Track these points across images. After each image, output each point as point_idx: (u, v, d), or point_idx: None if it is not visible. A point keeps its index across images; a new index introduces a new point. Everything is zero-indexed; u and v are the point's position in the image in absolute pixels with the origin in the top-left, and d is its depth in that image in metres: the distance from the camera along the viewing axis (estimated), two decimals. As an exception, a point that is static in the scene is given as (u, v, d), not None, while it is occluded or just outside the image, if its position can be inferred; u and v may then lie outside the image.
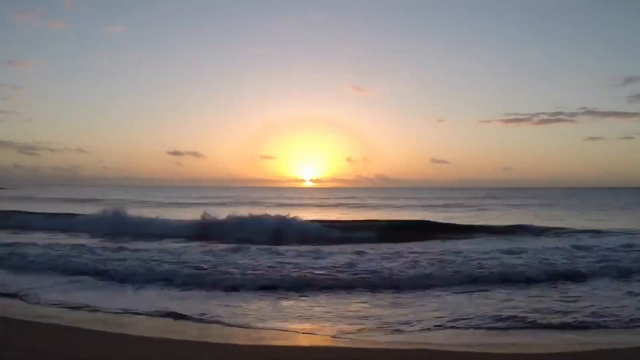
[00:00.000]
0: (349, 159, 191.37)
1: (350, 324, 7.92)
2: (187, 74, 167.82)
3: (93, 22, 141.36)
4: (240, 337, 7.18)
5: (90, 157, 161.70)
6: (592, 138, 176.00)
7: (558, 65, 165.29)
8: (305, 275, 11.28)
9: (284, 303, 9.44)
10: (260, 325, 7.85)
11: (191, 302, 9.28)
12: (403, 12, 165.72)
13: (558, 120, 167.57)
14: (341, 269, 12.09)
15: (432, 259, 13.36)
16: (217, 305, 9.09)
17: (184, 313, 8.35)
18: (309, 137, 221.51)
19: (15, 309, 8.71)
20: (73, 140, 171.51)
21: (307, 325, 7.92)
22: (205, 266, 12.25)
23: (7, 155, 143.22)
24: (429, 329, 7.68)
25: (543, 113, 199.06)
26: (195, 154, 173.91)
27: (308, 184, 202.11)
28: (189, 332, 7.43)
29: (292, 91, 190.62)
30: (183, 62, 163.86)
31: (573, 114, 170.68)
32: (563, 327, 7.76)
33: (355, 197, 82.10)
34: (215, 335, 7.30)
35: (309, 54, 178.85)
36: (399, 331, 7.58)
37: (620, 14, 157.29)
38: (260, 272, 11.59)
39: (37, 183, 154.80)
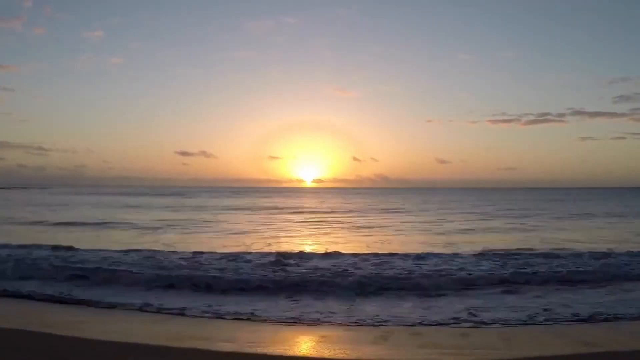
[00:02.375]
0: (343, 159, 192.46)
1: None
2: (173, 78, 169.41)
3: (72, 28, 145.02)
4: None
5: (87, 157, 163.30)
6: (584, 138, 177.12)
7: (542, 67, 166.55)
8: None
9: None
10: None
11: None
12: (373, 15, 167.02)
13: (546, 121, 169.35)
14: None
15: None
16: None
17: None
18: (303, 139, 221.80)
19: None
20: (70, 140, 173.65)
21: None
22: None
23: (5, 155, 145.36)
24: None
25: (530, 114, 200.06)
26: (193, 155, 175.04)
27: (309, 185, 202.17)
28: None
29: (276, 94, 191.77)
30: (163, 66, 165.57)
31: (561, 115, 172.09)
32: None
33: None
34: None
35: (288, 57, 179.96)
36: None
37: (603, 17, 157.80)
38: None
39: (39, 183, 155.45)
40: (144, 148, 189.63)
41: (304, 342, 7.43)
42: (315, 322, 8.33)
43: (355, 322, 8.31)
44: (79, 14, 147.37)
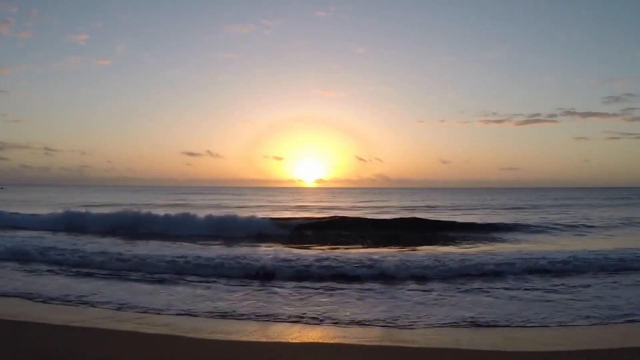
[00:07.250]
0: (342, 159, 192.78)
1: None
2: (161, 79, 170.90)
3: (57, 32, 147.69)
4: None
5: (89, 158, 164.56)
6: (579, 138, 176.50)
7: (530, 68, 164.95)
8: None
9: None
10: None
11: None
12: (351, 17, 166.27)
13: (537, 121, 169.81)
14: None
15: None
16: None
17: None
18: (298, 139, 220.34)
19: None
20: (69, 140, 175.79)
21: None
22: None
23: (6, 155, 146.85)
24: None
25: (521, 114, 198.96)
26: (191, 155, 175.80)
27: (311, 185, 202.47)
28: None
29: (262, 95, 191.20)
30: (149, 68, 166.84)
31: (552, 115, 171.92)
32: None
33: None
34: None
35: (271, 59, 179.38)
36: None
37: (590, 18, 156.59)
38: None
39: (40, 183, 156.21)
40: (143, 148, 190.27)
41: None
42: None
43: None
44: (64, 17, 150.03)
